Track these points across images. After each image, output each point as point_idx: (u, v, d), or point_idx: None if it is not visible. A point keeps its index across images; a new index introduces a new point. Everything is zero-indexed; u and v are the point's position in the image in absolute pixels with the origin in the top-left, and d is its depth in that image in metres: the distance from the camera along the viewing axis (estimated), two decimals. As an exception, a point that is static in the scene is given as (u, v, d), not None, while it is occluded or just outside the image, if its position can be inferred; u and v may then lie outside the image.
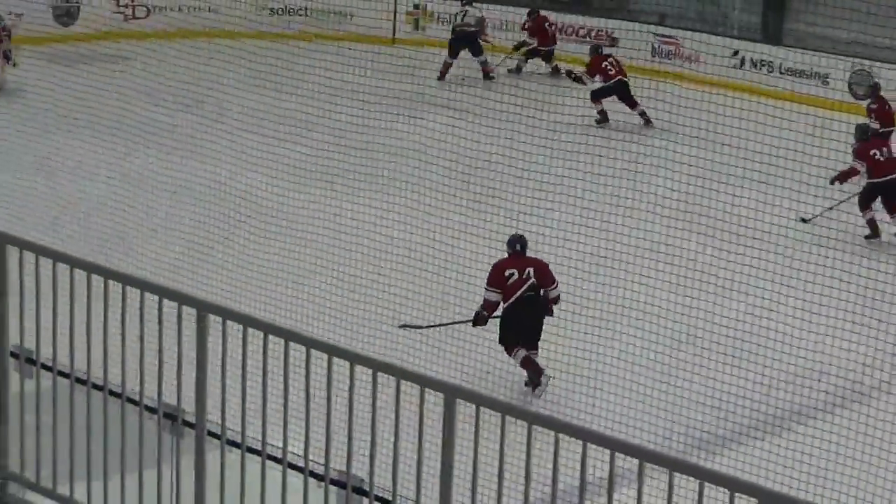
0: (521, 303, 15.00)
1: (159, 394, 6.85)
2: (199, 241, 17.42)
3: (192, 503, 6.68)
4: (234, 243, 17.78)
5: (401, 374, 6.12)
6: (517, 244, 15.33)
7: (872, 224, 20.67)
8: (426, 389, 6.04)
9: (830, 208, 19.76)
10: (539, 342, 15.05)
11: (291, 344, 6.36)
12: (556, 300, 15.32)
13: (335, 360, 6.22)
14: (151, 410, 6.92)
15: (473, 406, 5.84)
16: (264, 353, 6.38)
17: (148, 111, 23.04)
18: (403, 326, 15.50)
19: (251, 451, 6.63)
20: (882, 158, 20.76)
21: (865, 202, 20.65)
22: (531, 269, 15.12)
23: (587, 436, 5.77)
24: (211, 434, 6.65)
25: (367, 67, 21.23)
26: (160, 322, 6.77)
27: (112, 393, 6.97)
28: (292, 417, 6.47)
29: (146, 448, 6.88)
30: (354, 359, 6.22)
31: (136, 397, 6.90)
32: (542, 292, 15.15)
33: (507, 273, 15.12)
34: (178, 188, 19.94)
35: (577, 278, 15.75)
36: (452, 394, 5.94)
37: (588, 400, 13.84)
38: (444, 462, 5.96)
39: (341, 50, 21.94)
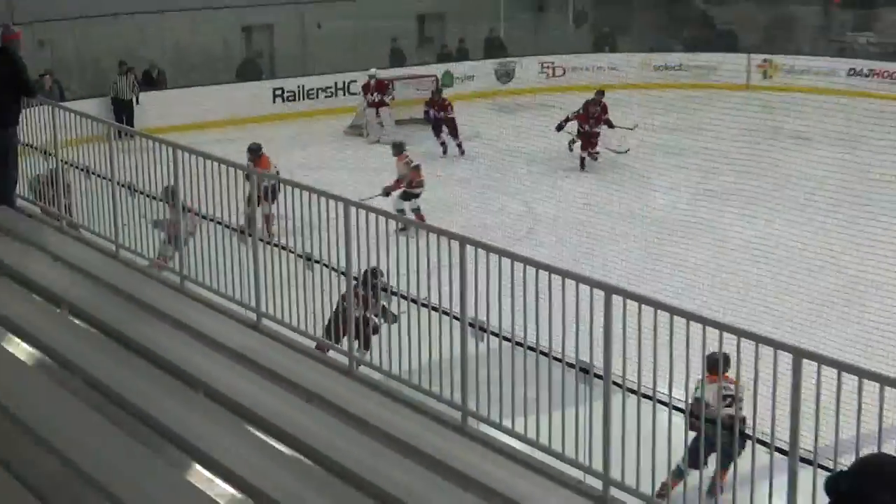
0: None
1: (576, 352, 6.80)
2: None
3: (600, 439, 6.61)
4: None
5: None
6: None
7: None
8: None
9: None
10: None
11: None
12: None
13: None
14: (570, 366, 6.88)
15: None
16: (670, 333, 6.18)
17: (565, 144, 23.17)
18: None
19: (647, 397, 6.52)
20: None
21: None
22: None
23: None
24: (615, 384, 6.56)
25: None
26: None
27: (542, 353, 6.98)
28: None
29: (567, 394, 6.85)
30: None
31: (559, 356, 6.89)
32: None
33: None
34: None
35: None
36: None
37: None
38: None
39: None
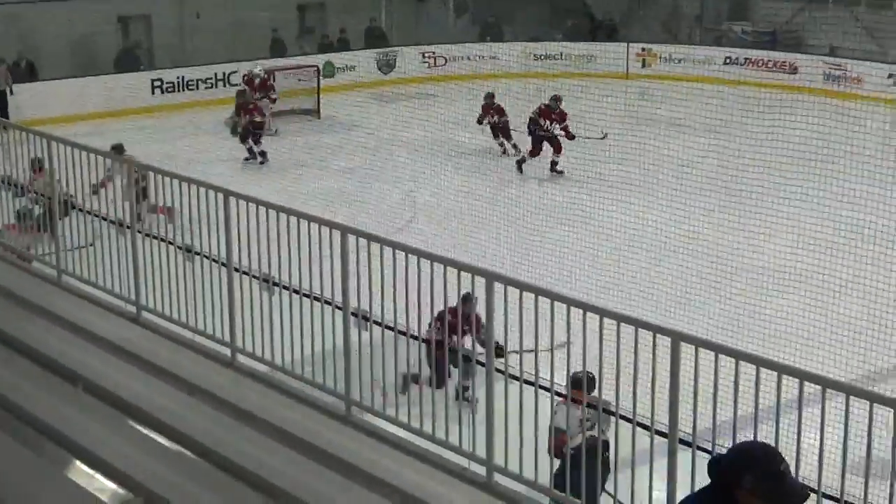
0: None
1: (459, 343, 6.82)
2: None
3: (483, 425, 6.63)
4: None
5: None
6: None
7: None
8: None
9: None
10: None
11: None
12: None
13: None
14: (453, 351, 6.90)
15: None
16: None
17: (446, 134, 23.26)
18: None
19: (529, 383, 6.55)
20: None
21: None
22: None
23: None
24: (498, 370, 6.58)
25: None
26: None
27: (424, 342, 6.98)
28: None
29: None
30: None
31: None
32: None
33: None
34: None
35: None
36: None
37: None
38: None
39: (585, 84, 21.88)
